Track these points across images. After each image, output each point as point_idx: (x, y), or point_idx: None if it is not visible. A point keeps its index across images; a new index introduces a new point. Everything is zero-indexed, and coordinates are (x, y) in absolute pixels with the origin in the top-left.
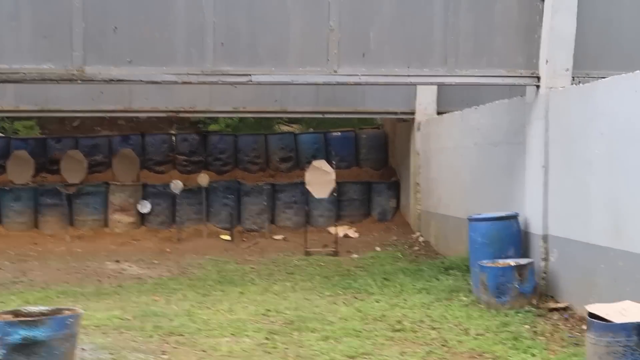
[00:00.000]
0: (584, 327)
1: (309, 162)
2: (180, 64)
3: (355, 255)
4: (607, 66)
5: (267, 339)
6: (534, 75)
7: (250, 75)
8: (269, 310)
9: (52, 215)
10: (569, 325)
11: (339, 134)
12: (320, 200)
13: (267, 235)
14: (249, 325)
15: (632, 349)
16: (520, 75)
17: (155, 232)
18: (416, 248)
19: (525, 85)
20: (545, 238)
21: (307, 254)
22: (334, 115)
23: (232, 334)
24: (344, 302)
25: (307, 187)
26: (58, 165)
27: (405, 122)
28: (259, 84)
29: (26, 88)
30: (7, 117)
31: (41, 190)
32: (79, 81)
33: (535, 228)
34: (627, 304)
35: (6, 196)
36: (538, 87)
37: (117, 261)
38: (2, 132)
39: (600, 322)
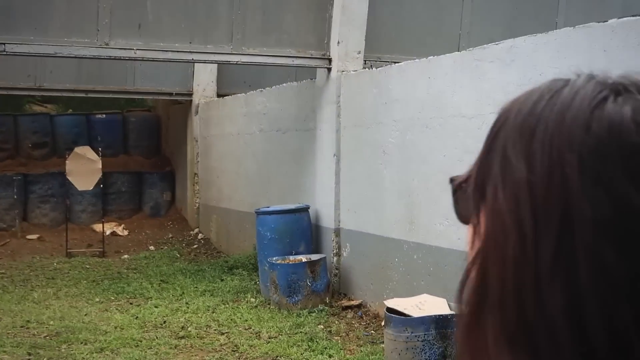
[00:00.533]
0: (381, 323)
1: (70, 149)
2: None
3: (126, 256)
4: (400, 51)
5: (29, 354)
6: (326, 57)
7: (4, 44)
8: (28, 321)
9: None
10: (364, 323)
11: (104, 116)
12: (83, 194)
13: (19, 235)
14: (5, 339)
15: (430, 342)
16: (311, 56)
17: None
18: (195, 246)
19: (316, 68)
20: (337, 232)
21: (69, 255)
22: (100, 94)
23: None
24: (117, 309)
25: (68, 177)
26: None
27: (181, 105)
28: (15, 54)
29: None
30: None
31: None
32: None
33: (327, 221)
34: (424, 297)
35: None
36: (329, 69)
37: None
38: None
39: (399, 317)
